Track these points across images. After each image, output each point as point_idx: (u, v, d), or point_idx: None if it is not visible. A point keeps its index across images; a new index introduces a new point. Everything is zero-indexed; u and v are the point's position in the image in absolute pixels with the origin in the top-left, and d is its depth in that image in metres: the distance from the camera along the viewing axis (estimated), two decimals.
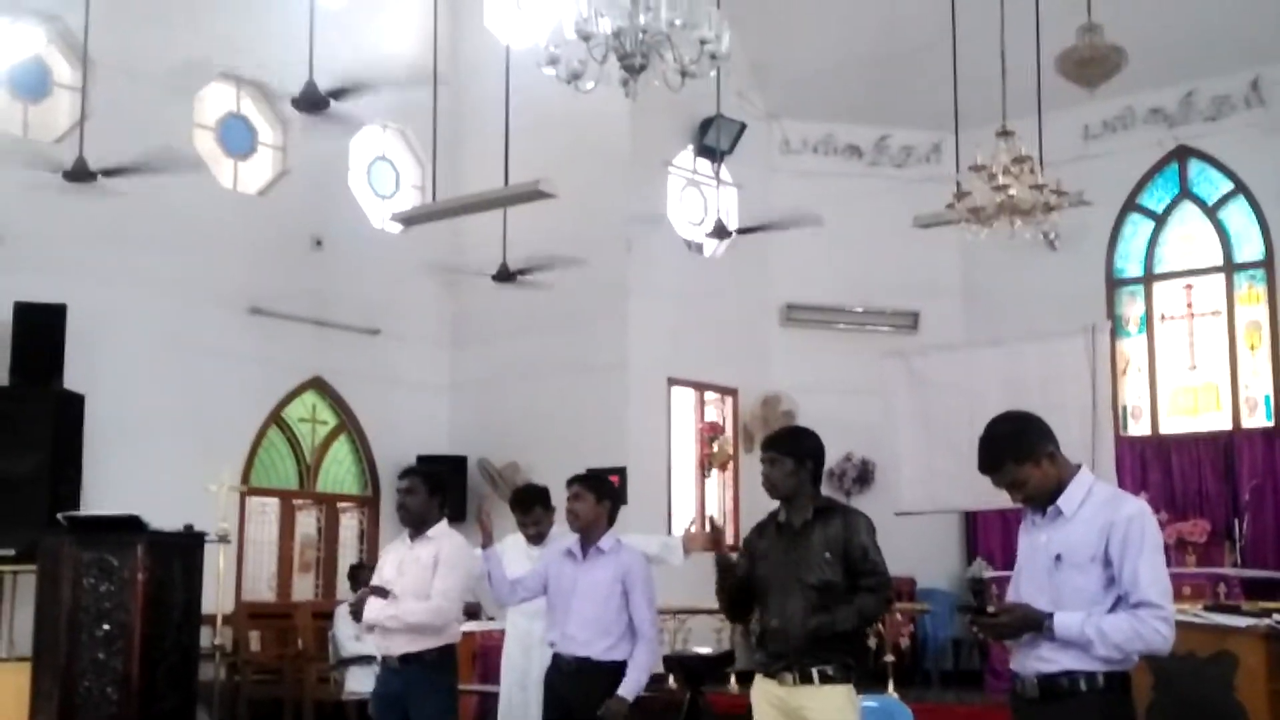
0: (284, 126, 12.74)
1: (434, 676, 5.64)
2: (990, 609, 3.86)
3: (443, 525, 5.84)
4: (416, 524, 5.81)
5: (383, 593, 5.67)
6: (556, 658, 5.56)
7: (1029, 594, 3.79)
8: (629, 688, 5.40)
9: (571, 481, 5.75)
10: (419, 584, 5.67)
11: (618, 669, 5.46)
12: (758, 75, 13.84)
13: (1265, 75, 12.76)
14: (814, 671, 4.59)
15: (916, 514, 11.82)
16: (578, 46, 6.63)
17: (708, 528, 5.10)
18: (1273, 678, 5.02)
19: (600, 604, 5.48)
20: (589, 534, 5.61)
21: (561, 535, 6.37)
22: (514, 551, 6.70)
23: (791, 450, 4.79)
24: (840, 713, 4.61)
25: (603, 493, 5.71)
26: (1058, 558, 3.71)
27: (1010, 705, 3.94)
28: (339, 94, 10.99)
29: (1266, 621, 5.17)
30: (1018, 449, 3.78)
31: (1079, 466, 3.83)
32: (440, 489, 5.91)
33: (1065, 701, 3.64)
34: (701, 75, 6.65)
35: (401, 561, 5.81)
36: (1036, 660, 3.70)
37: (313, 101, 10.81)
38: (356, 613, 5.76)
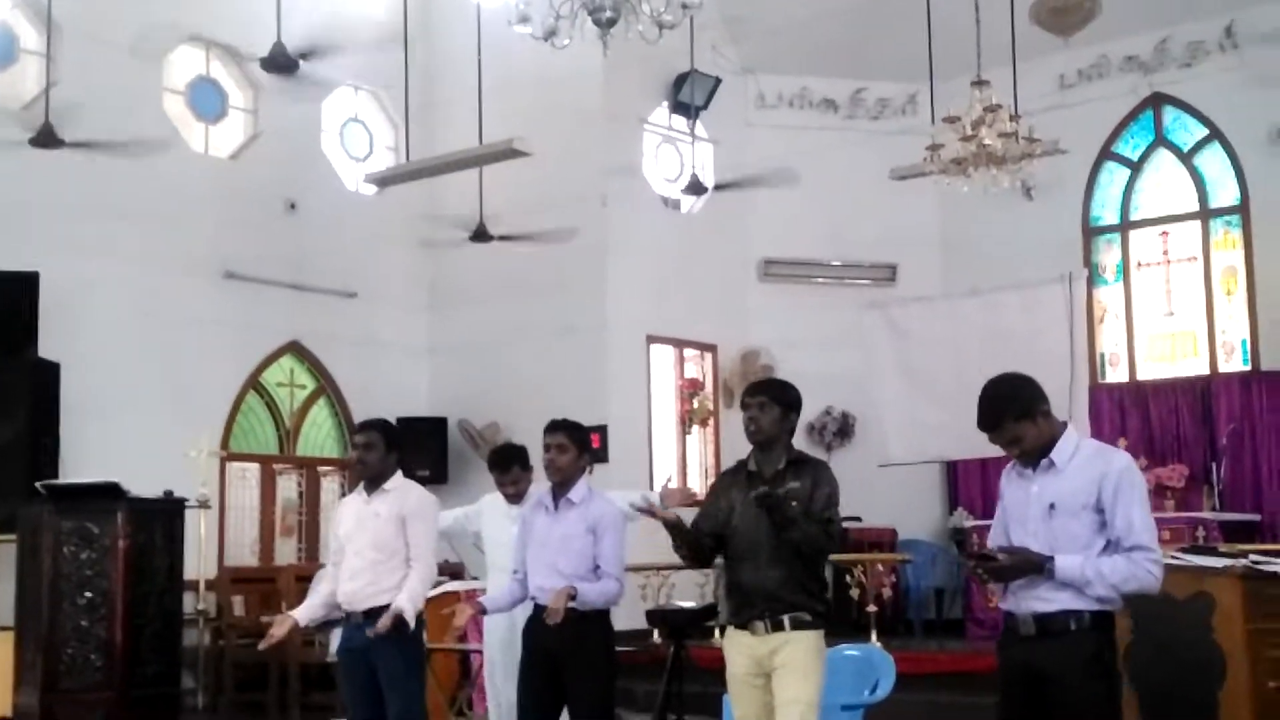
0: (254, 89, 12.61)
1: (399, 630, 5.59)
2: (988, 553, 4.06)
3: (398, 477, 5.79)
4: (374, 479, 5.77)
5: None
6: (537, 608, 5.53)
7: (1022, 540, 4.05)
8: (582, 595, 5.34)
9: (555, 427, 5.62)
10: (379, 538, 5.66)
11: (601, 613, 5.47)
12: (731, 29, 13.74)
13: (1239, 20, 12.71)
14: (785, 619, 4.70)
15: (901, 465, 11.87)
16: (546, 3, 6.56)
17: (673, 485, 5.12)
18: (1249, 618, 5.07)
19: (574, 555, 5.48)
20: (563, 485, 5.60)
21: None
22: (493, 511, 6.70)
23: (780, 398, 4.88)
24: (809, 656, 4.70)
25: (585, 445, 5.70)
26: (1051, 506, 4.00)
27: (999, 645, 4.16)
28: (309, 55, 10.86)
29: (1243, 562, 5.21)
30: (1017, 407, 4.05)
31: (1065, 424, 4.11)
32: (398, 443, 5.85)
33: (1060, 638, 3.92)
34: (677, 25, 6.59)
35: (359, 517, 5.77)
36: (1035, 600, 3.97)
37: (282, 63, 10.68)
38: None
